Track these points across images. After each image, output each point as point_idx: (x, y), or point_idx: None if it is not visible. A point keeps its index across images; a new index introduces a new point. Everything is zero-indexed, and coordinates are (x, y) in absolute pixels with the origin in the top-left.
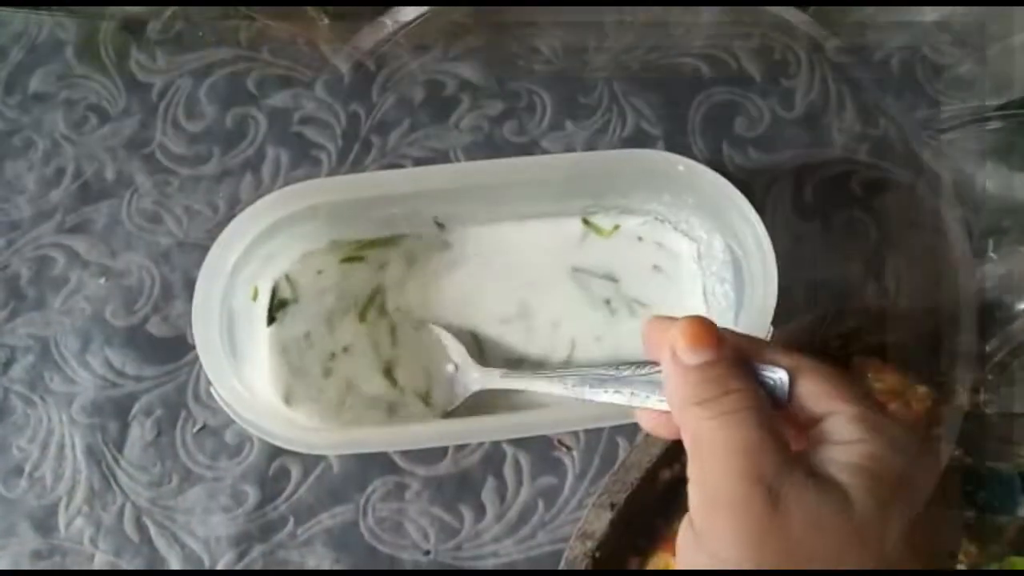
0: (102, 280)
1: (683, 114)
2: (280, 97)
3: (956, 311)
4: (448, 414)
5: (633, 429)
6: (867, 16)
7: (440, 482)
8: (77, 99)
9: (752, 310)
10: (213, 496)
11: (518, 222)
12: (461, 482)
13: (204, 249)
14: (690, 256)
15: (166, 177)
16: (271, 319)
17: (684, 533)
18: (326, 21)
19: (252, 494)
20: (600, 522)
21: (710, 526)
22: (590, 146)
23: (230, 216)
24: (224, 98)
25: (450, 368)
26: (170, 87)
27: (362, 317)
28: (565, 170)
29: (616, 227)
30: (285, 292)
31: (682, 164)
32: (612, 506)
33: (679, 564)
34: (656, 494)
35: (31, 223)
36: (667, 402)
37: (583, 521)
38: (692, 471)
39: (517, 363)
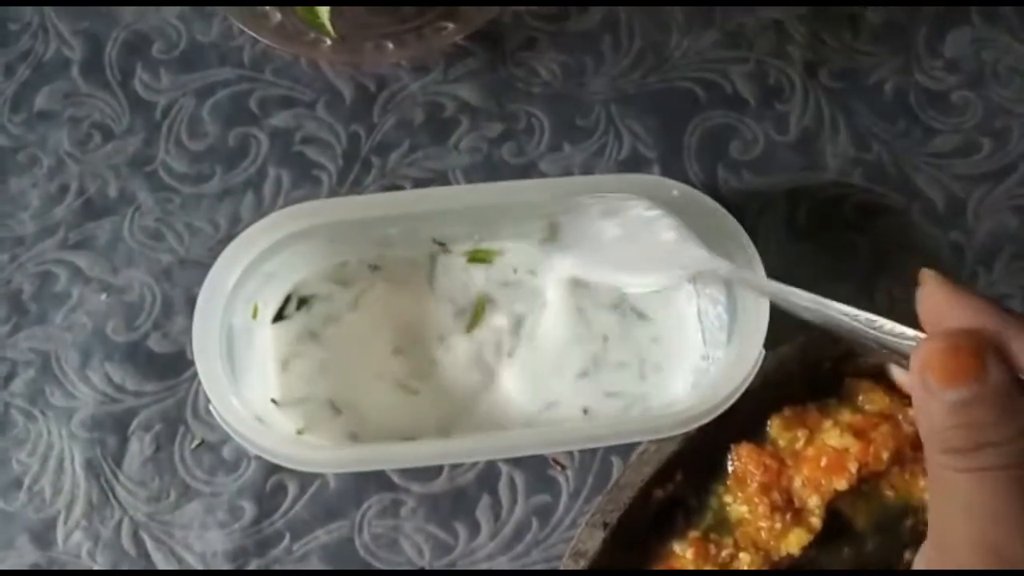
0: (103, 296)
1: (679, 137)
2: (282, 117)
3: None
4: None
5: (627, 448)
6: (860, 42)
7: (436, 499)
8: (82, 117)
9: (745, 333)
10: (210, 511)
11: (516, 242)
12: (456, 499)
13: (205, 267)
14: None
15: (168, 195)
16: (279, 316)
17: (923, 562)
18: (328, 43)
19: (249, 510)
20: (593, 541)
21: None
22: (587, 168)
23: (231, 234)
24: (226, 117)
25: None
26: (173, 106)
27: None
28: (563, 193)
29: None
30: (300, 294)
31: (676, 189)
32: (605, 525)
33: None
34: (649, 514)
35: (34, 239)
36: (919, 428)
37: (576, 540)
38: (931, 517)
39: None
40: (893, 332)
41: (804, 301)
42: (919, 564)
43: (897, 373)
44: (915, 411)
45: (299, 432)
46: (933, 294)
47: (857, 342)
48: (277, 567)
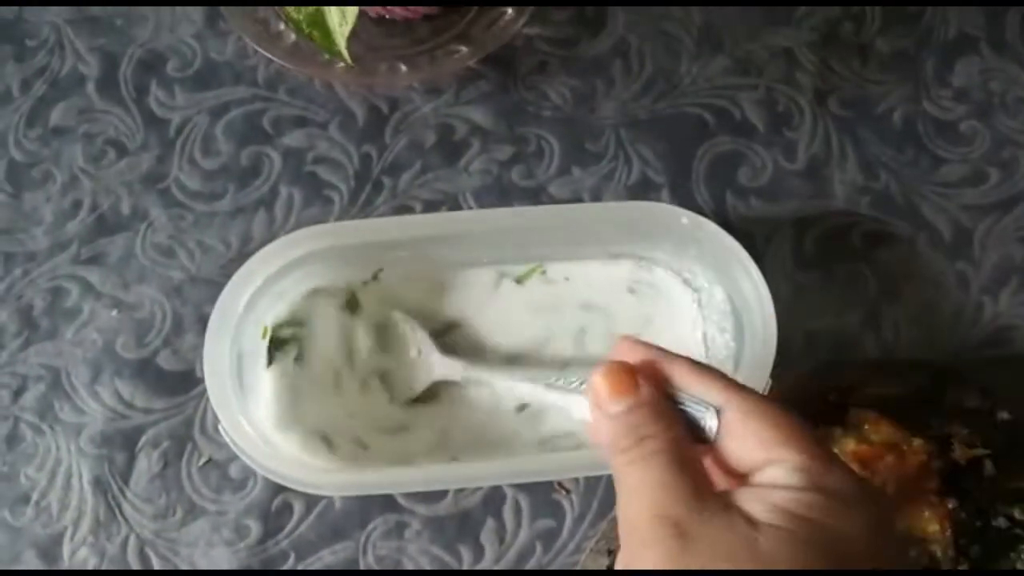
0: (114, 312)
1: (688, 163)
2: (295, 136)
3: (954, 365)
4: (411, 402)
5: None
6: (869, 71)
7: (440, 522)
8: (96, 133)
9: (751, 362)
10: (216, 529)
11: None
12: (461, 522)
13: (216, 284)
14: (692, 305)
15: (181, 212)
16: (270, 360)
17: (618, 565)
18: (342, 64)
19: (255, 529)
20: (596, 567)
21: (632, 561)
22: (596, 192)
23: (242, 252)
24: (240, 136)
25: (413, 354)
26: (187, 123)
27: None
28: (574, 219)
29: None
30: (285, 333)
31: (685, 217)
32: (610, 552)
33: None
34: None
35: (47, 254)
36: (601, 444)
37: (580, 566)
38: (618, 511)
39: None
40: (573, 383)
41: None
42: (620, 558)
43: (588, 432)
44: (593, 434)
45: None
46: (619, 345)
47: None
48: None
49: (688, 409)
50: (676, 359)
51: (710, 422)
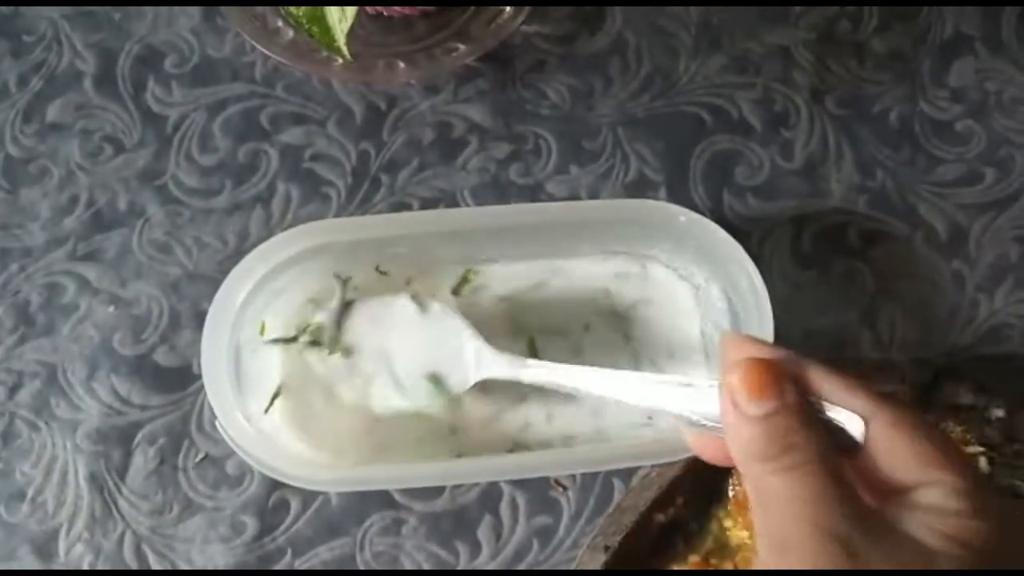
0: (111, 308)
1: (685, 161)
2: (292, 133)
3: (949, 362)
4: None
5: (629, 471)
6: (866, 70)
7: (437, 518)
8: (93, 129)
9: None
10: (213, 526)
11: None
12: (458, 519)
13: (213, 281)
14: (689, 303)
15: (178, 208)
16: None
17: None
18: (340, 61)
19: (251, 525)
20: (594, 564)
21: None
22: (594, 190)
23: (240, 249)
24: (237, 133)
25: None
26: (185, 120)
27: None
28: (572, 217)
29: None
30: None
31: (683, 215)
32: (606, 548)
33: None
34: (650, 538)
35: (43, 250)
36: (730, 449)
37: (577, 562)
38: (759, 523)
39: None
40: (687, 392)
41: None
42: (762, 559)
43: (694, 440)
44: (728, 438)
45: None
46: (733, 342)
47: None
48: None
49: (829, 416)
50: (810, 361)
51: (855, 431)
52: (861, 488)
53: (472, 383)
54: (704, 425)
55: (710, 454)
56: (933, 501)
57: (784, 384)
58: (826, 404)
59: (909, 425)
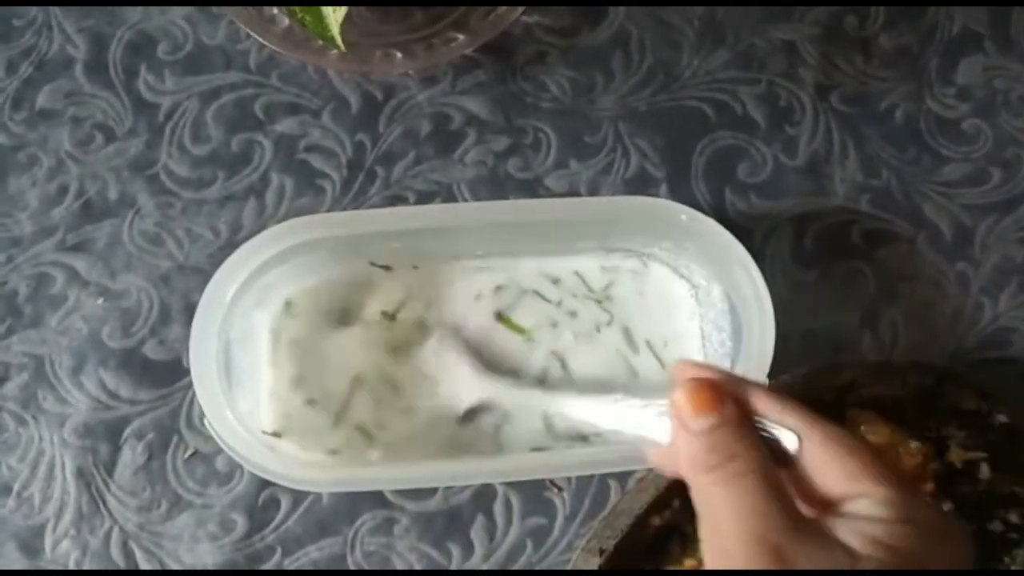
0: (100, 300)
1: (687, 157)
2: (287, 124)
3: (952, 366)
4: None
5: (624, 472)
6: (872, 67)
7: (429, 518)
8: (84, 117)
9: (749, 361)
10: (201, 523)
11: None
12: (451, 519)
13: (204, 273)
14: (690, 301)
15: (169, 199)
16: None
17: None
18: (336, 51)
19: (240, 523)
20: (588, 567)
21: None
22: (594, 185)
23: (232, 241)
24: (231, 122)
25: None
26: (177, 108)
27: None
28: (572, 213)
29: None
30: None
31: (685, 213)
32: (601, 551)
33: None
34: (645, 541)
35: (31, 240)
36: (680, 464)
37: (571, 565)
38: (703, 531)
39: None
40: (644, 407)
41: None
42: (708, 564)
43: (653, 454)
44: (680, 453)
45: (275, 434)
46: (681, 367)
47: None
48: None
49: (767, 433)
50: (750, 384)
51: (790, 446)
52: (798, 499)
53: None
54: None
55: (669, 468)
56: (861, 510)
57: (724, 401)
58: (764, 421)
59: (839, 442)
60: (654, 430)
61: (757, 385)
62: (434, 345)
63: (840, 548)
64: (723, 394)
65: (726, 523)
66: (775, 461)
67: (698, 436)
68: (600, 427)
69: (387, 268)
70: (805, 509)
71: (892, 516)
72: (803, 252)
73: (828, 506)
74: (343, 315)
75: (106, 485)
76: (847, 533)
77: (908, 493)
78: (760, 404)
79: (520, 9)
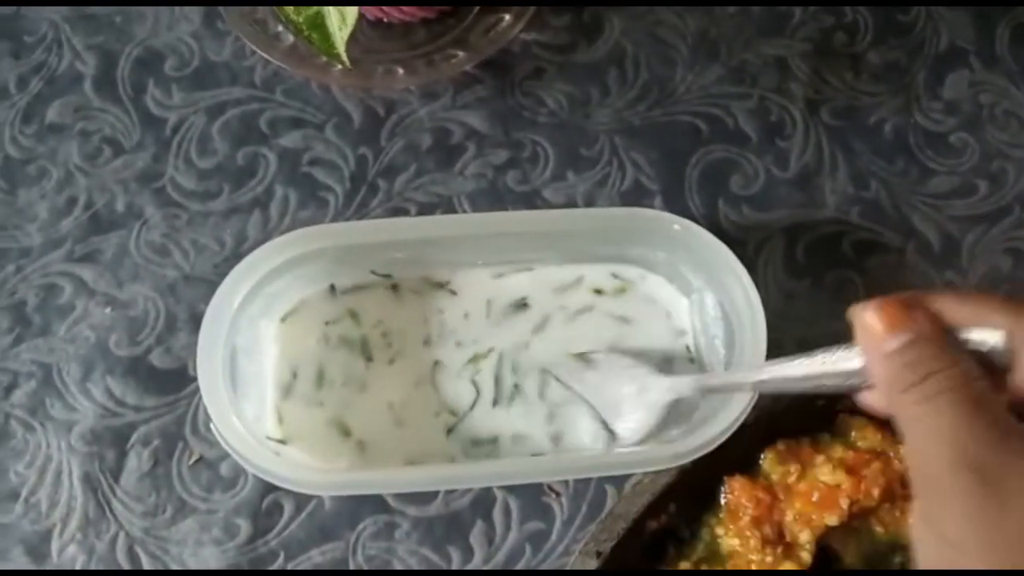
0: (108, 310)
1: (681, 170)
2: (291, 138)
3: None
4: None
5: (621, 477)
6: (861, 82)
7: (430, 523)
8: (92, 131)
9: (741, 366)
10: (206, 528)
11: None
12: (451, 524)
13: (210, 283)
14: (683, 311)
15: (175, 211)
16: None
17: (914, 518)
18: (339, 66)
19: (244, 528)
20: (586, 569)
21: (932, 511)
22: (590, 197)
23: (237, 252)
24: (236, 136)
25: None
26: (183, 123)
27: (368, 358)
28: (569, 224)
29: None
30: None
31: (678, 224)
32: (598, 554)
33: (916, 541)
34: (642, 545)
35: (40, 251)
36: (878, 390)
37: (569, 568)
38: (909, 458)
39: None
40: (838, 355)
41: (761, 375)
42: (915, 519)
43: (863, 398)
44: (873, 376)
45: (280, 440)
46: (859, 307)
47: (819, 388)
48: None
49: (971, 339)
50: (939, 292)
51: (1000, 347)
52: (1014, 406)
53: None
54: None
55: (879, 404)
56: None
57: (916, 315)
58: (966, 329)
59: None
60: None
61: (949, 292)
62: (439, 353)
63: None
64: (914, 308)
65: (927, 444)
66: (987, 369)
67: (893, 356)
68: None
69: (389, 277)
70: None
71: None
72: (795, 262)
73: None
74: (347, 324)
75: (112, 491)
76: None
77: None
78: (955, 312)
79: (519, 27)
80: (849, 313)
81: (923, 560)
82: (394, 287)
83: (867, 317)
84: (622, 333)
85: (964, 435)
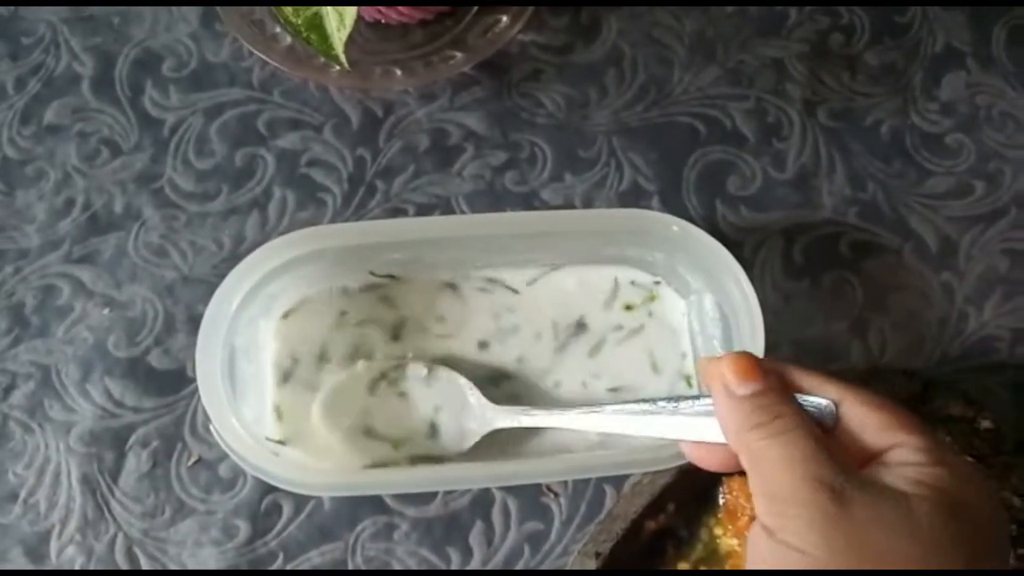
0: (106, 311)
1: (679, 171)
2: (289, 139)
3: (938, 374)
4: (463, 455)
5: (620, 477)
6: (858, 83)
7: (429, 524)
8: (90, 132)
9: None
10: (205, 529)
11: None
12: (449, 524)
13: (208, 284)
14: (681, 312)
15: (174, 212)
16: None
17: (754, 532)
18: (337, 68)
19: (243, 529)
20: (584, 570)
21: (781, 523)
22: (588, 198)
23: (235, 253)
24: (234, 137)
25: (464, 407)
26: (182, 124)
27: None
28: (566, 225)
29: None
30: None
31: (676, 225)
32: (597, 555)
33: (750, 561)
34: (641, 545)
35: (39, 252)
36: (722, 431)
37: (568, 568)
38: (755, 484)
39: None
40: (686, 400)
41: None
42: (754, 533)
43: (691, 451)
44: (722, 421)
45: (280, 441)
46: (711, 356)
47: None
48: None
49: (805, 404)
50: (786, 362)
51: (829, 413)
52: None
53: (479, 437)
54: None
55: (705, 461)
56: (901, 458)
57: (766, 371)
58: (802, 396)
59: (874, 401)
60: (697, 428)
61: (792, 363)
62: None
63: (890, 490)
64: (763, 366)
65: (778, 471)
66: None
67: (744, 400)
68: (640, 435)
69: (389, 278)
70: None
71: (929, 460)
72: (792, 263)
73: (868, 461)
74: (346, 325)
75: (111, 492)
76: (892, 478)
77: (938, 441)
78: (798, 378)
79: (516, 28)
80: (697, 365)
81: (753, 564)
82: (394, 287)
83: (722, 369)
84: (620, 336)
85: (816, 461)
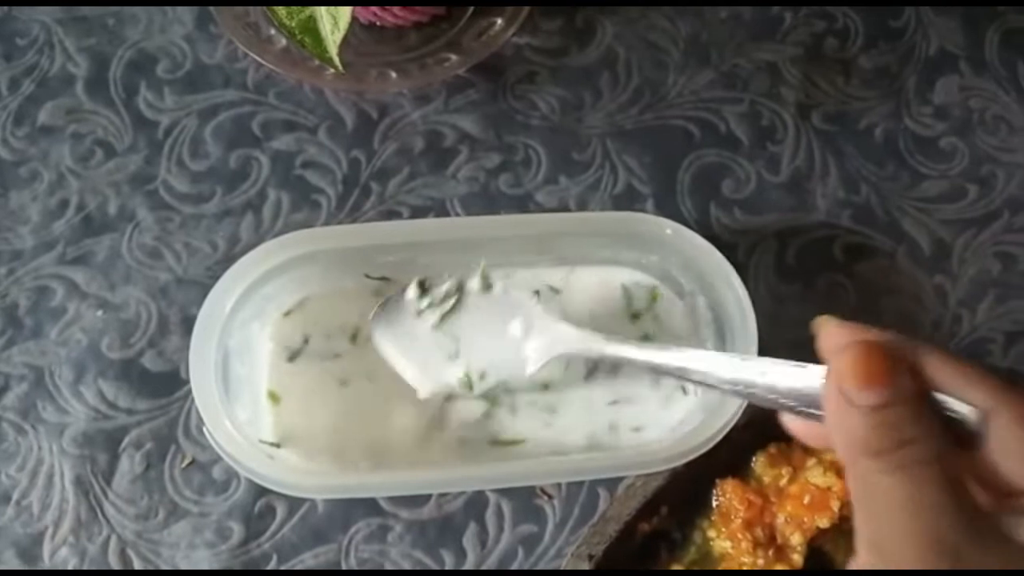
0: (100, 312)
1: (673, 174)
2: (283, 140)
3: None
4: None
5: (614, 479)
6: (852, 87)
7: (423, 526)
8: (84, 133)
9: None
10: (198, 531)
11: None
12: (443, 527)
13: (202, 286)
14: (676, 314)
15: (168, 214)
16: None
17: (858, 567)
18: (332, 70)
19: (237, 531)
20: (578, 570)
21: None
22: (582, 201)
23: (229, 255)
24: (228, 139)
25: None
26: (176, 126)
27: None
28: (561, 227)
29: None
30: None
31: (670, 228)
32: (590, 557)
33: None
34: (634, 547)
35: (32, 253)
36: (834, 441)
37: (561, 570)
38: (864, 527)
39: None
40: (787, 372)
41: (681, 361)
42: (869, 565)
43: (790, 422)
44: (831, 428)
45: (274, 443)
46: (833, 331)
47: (748, 396)
48: None
49: (948, 409)
50: (926, 347)
51: (975, 427)
52: (974, 485)
53: (547, 359)
54: (802, 411)
55: (812, 439)
56: None
57: (899, 371)
58: (944, 397)
59: None
60: (795, 396)
61: (936, 349)
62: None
63: (1020, 549)
64: (898, 363)
65: (895, 518)
66: (955, 444)
67: (865, 413)
68: (724, 386)
69: (383, 280)
70: (983, 499)
71: None
72: (786, 266)
73: (1008, 496)
74: (340, 327)
75: (104, 493)
76: None
77: None
78: (941, 375)
79: (511, 30)
80: (817, 326)
81: None
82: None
83: (841, 364)
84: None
85: (940, 512)
